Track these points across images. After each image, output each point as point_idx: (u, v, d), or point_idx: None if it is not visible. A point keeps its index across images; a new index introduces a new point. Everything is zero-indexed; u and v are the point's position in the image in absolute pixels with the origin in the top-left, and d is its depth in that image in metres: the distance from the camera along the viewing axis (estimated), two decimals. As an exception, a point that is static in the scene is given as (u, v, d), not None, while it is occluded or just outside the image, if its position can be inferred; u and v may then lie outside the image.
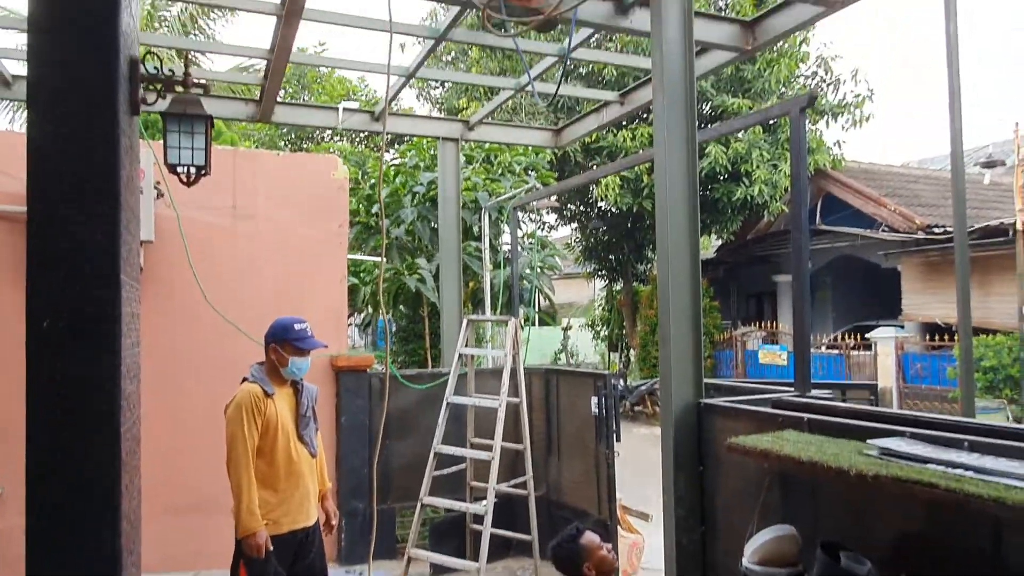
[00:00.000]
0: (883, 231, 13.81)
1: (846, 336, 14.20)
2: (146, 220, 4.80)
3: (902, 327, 13.93)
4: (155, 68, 2.56)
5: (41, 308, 2.08)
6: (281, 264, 5.51)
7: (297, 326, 3.25)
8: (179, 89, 2.61)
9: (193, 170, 2.57)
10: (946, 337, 12.30)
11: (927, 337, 13.20)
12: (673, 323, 3.05)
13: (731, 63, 4.49)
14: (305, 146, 17.41)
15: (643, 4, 3.86)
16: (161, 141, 4.69)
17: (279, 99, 5.37)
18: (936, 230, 12.66)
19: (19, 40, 10.75)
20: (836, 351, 14.14)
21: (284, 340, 3.23)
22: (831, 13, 3.70)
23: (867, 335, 13.65)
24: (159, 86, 2.57)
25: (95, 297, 2.14)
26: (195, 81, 2.64)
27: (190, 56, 2.81)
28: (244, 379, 3.28)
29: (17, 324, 2.02)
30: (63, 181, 2.12)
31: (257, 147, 14.88)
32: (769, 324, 15.90)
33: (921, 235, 12.95)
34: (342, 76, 17.69)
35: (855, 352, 13.84)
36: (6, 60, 4.89)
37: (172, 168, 2.57)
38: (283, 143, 16.75)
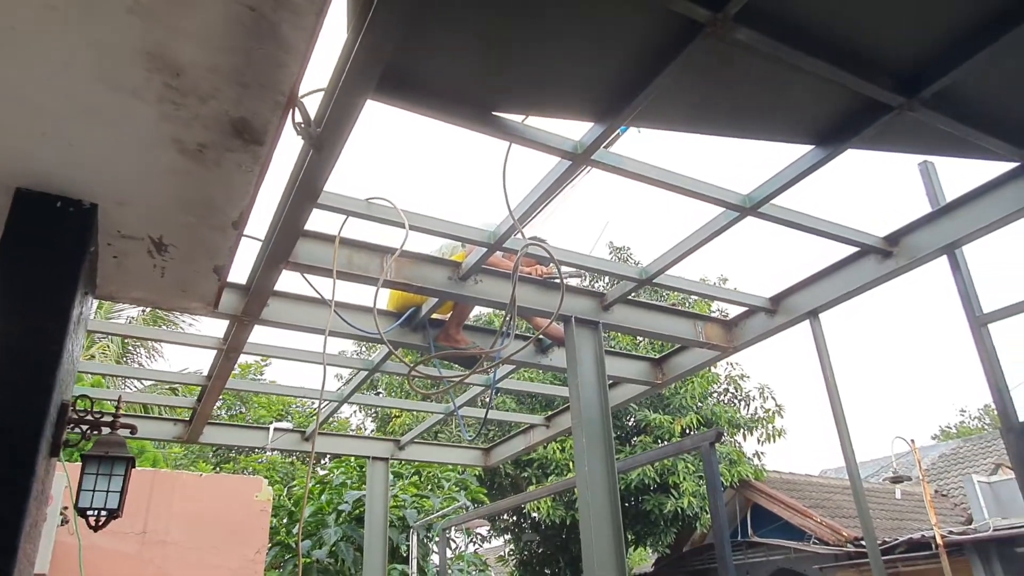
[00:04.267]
0: (814, 543, 13.72)
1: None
2: (43, 550, 4.43)
3: (853, 651, 13.13)
4: (85, 410, 2.61)
5: None
6: (185, 599, 5.03)
7: None
8: (105, 430, 2.64)
9: (104, 514, 2.49)
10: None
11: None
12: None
13: (644, 395, 4.85)
14: (233, 455, 16.88)
15: (559, 345, 4.26)
16: (77, 462, 4.56)
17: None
18: (863, 542, 12.66)
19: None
20: None
21: None
22: (724, 357, 4.16)
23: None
24: (86, 428, 2.59)
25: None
26: (123, 423, 2.69)
27: (122, 398, 2.89)
28: None
29: None
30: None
31: (181, 462, 14.34)
32: (718, 649, 14.75)
33: (851, 548, 12.89)
34: (276, 395, 17.90)
35: None
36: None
37: (82, 512, 2.48)
38: (209, 455, 16.22)
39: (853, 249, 3.44)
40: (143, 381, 12.52)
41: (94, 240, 2.61)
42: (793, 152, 2.85)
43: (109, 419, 2.65)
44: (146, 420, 5.51)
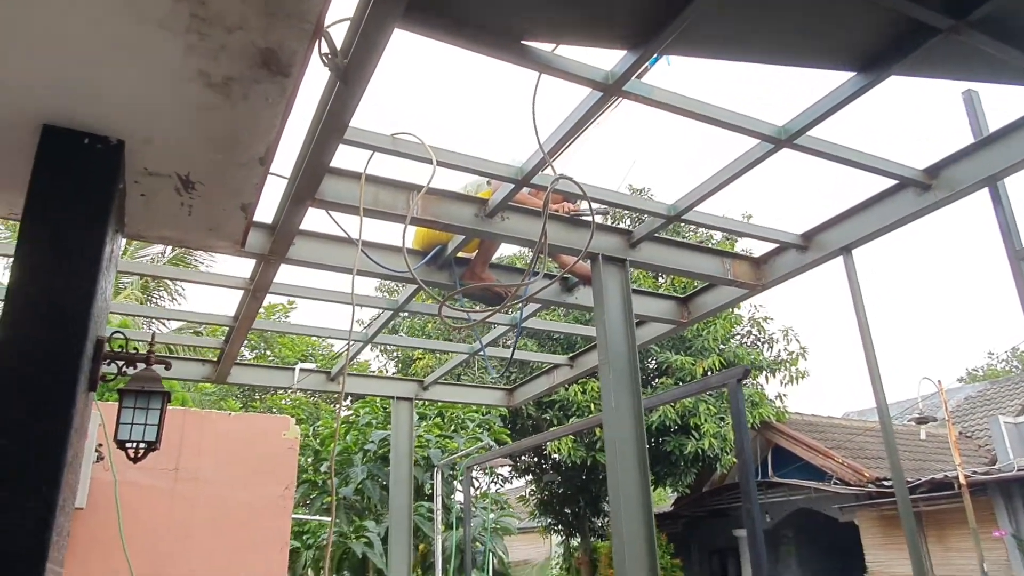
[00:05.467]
0: (835, 483, 13.86)
1: (815, 597, 13.54)
2: (81, 485, 4.58)
3: (870, 586, 13.40)
4: (120, 346, 2.65)
5: (-50, 604, 1.93)
6: (219, 530, 5.20)
7: None
8: (140, 367, 2.68)
9: (143, 446, 2.55)
10: (916, 597, 11.81)
11: (897, 597, 12.66)
12: (631, 602, 2.93)
13: (670, 334, 4.84)
14: (258, 397, 17.28)
15: (585, 283, 4.24)
16: (110, 402, 4.67)
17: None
18: (886, 483, 12.78)
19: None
20: (807, 614, 13.36)
21: None
22: (753, 295, 4.11)
23: (836, 596, 13.05)
24: (121, 363, 2.63)
25: (14, 590, 2.00)
26: (157, 358, 2.73)
27: (155, 335, 2.93)
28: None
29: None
30: (4, 460, 2.08)
31: (207, 402, 14.70)
32: (735, 584, 15.12)
33: (872, 488, 13.02)
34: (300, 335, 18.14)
35: (827, 615, 13.11)
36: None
37: (121, 444, 2.55)
38: (236, 396, 16.61)
39: (890, 182, 3.35)
40: (168, 324, 12.74)
41: (122, 178, 2.60)
42: (828, 84, 2.75)
43: (143, 356, 2.68)
44: (175, 361, 5.61)
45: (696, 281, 4.67)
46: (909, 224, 3.37)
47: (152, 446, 2.55)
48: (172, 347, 8.32)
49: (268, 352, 17.75)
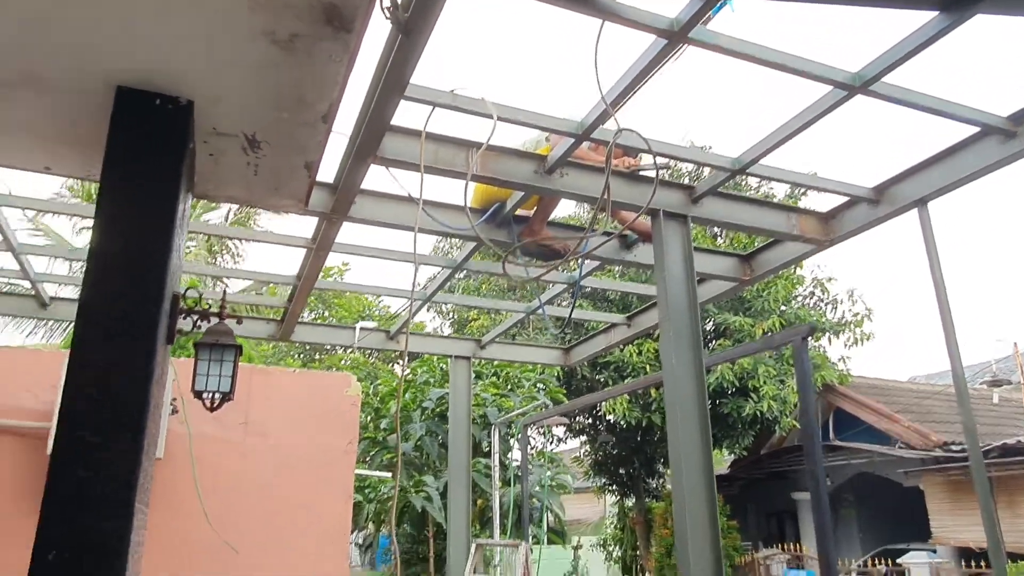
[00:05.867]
0: (899, 447, 13.54)
1: (876, 561, 13.35)
2: (159, 437, 4.82)
3: (934, 551, 13.14)
4: (194, 301, 2.75)
5: (50, 538, 2.06)
6: (288, 482, 5.41)
7: None
8: (213, 320, 2.78)
9: (218, 396, 2.66)
10: (983, 564, 11.55)
11: (963, 563, 12.39)
12: (692, 554, 2.94)
13: (731, 293, 4.75)
14: (317, 357, 17.78)
15: (645, 240, 4.19)
16: (181, 358, 4.86)
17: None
18: (954, 447, 12.42)
19: (55, 265, 11.50)
20: (867, 578, 13.22)
21: None
22: (820, 251, 3.99)
23: (898, 560, 12.84)
24: (196, 318, 2.74)
25: (104, 529, 2.12)
26: (229, 313, 2.82)
27: (226, 291, 3.03)
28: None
29: (24, 548, 2.00)
30: (94, 407, 2.20)
31: (274, 355, 15.19)
32: (793, 546, 15.02)
33: (939, 452, 12.67)
34: (357, 294, 18.54)
35: (887, 580, 12.94)
36: (46, 283, 5.23)
37: (198, 394, 2.66)
38: (298, 354, 17.13)
39: (970, 131, 3.18)
40: (231, 287, 13.16)
41: (192, 138, 2.67)
42: (905, 26, 2.61)
43: (216, 311, 2.78)
44: (244, 319, 5.79)
45: (758, 239, 4.56)
46: (990, 174, 3.20)
47: (226, 396, 2.66)
48: (235, 307, 8.58)
49: (326, 313, 18.21)
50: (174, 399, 5.03)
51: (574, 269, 4.52)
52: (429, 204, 3.74)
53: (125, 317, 2.32)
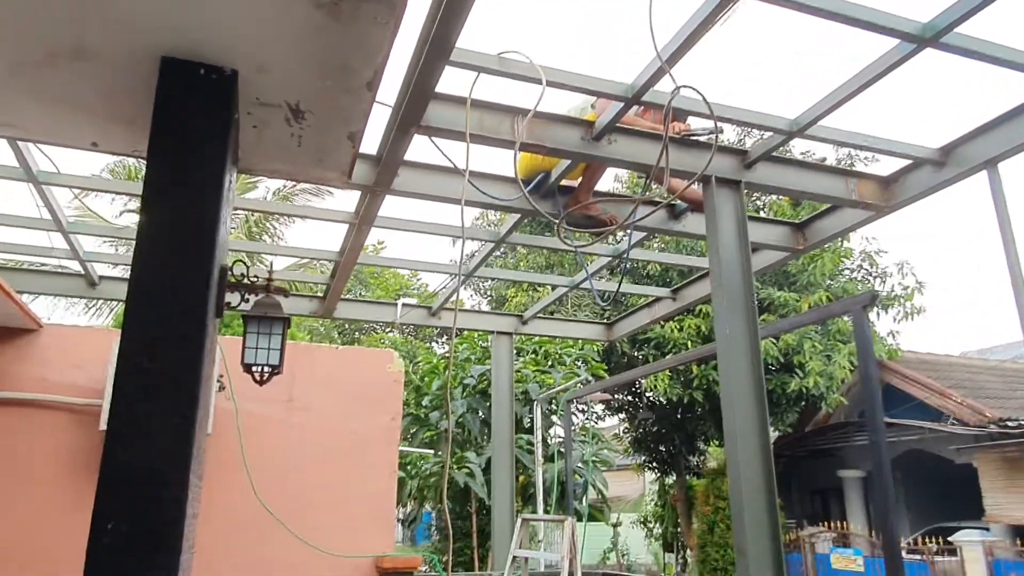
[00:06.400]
0: (951, 424, 13.18)
1: (926, 539, 13.08)
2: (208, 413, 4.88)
3: (987, 529, 12.81)
4: (242, 274, 2.73)
5: (108, 510, 2.06)
6: (332, 457, 5.45)
7: None
8: (260, 293, 2.76)
9: (267, 369, 2.65)
10: (1039, 542, 11.23)
11: (1018, 541, 12.06)
12: (750, 536, 2.86)
13: (783, 262, 4.60)
14: (357, 337, 17.95)
15: (694, 210, 4.06)
16: (226, 336, 4.90)
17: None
18: (1010, 424, 12.03)
19: (102, 246, 11.75)
20: (918, 556, 12.94)
21: None
22: (879, 218, 3.82)
23: (950, 538, 12.55)
24: (243, 292, 2.72)
25: (162, 499, 2.12)
26: (276, 286, 2.80)
27: (272, 264, 3.01)
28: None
29: (83, 521, 2.00)
30: (147, 380, 2.19)
31: (312, 339, 15.39)
32: (840, 524, 14.80)
33: (994, 429, 12.30)
34: (397, 272, 18.64)
35: (939, 558, 12.65)
36: (95, 263, 5.31)
37: (248, 367, 2.65)
38: (337, 334, 17.32)
39: (1049, 85, 2.98)
40: (274, 265, 13.32)
41: (236, 108, 2.63)
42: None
43: (263, 284, 2.76)
44: (288, 297, 5.82)
45: (807, 208, 4.39)
46: (1069, 131, 3.01)
47: (275, 369, 2.64)
48: (280, 283, 8.67)
49: (364, 292, 18.36)
50: (221, 376, 5.08)
51: (619, 241, 4.41)
52: (473, 175, 3.67)
53: (175, 290, 2.31)
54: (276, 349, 2.63)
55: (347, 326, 17.85)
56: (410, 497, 9.28)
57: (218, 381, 5.06)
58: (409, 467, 9.37)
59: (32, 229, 4.63)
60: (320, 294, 5.75)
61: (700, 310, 12.23)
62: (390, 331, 17.99)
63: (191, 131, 2.47)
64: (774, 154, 3.53)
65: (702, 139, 3.39)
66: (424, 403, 9.13)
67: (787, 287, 12.68)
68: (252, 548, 5.00)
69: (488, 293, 17.04)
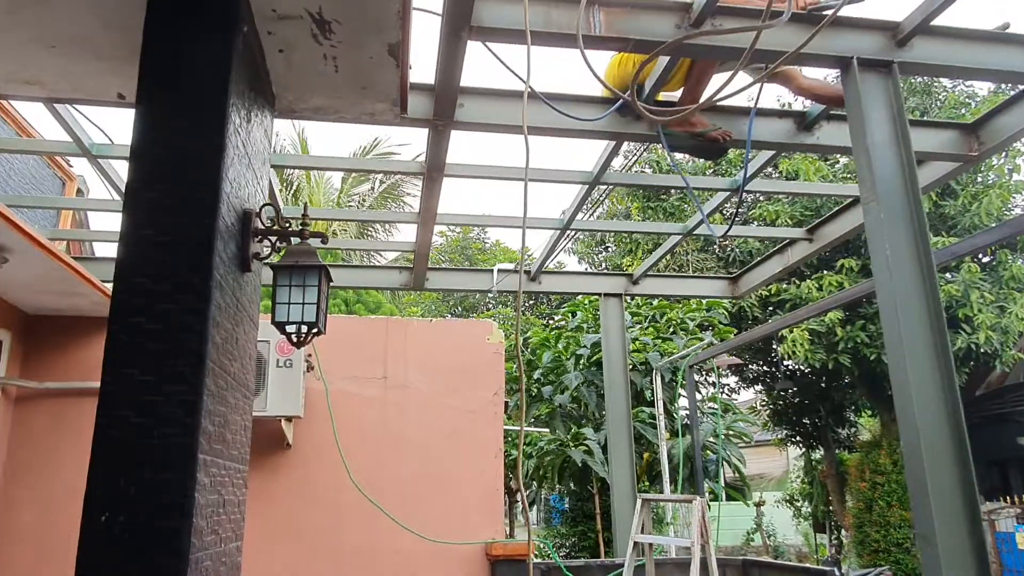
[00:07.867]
0: None
1: None
2: (296, 395, 4.61)
3: None
4: (269, 219, 2.30)
5: (99, 498, 1.71)
6: (431, 436, 5.08)
7: None
8: (295, 240, 2.33)
9: (304, 328, 2.22)
10: None
11: None
12: (937, 519, 2.12)
13: (953, 175, 3.67)
14: (468, 316, 17.82)
15: (830, 118, 3.27)
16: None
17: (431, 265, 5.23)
18: None
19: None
20: None
21: None
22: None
23: None
24: (275, 239, 2.29)
25: (161, 482, 1.74)
26: (312, 232, 2.35)
27: (307, 205, 2.57)
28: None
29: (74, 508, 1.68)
30: (143, 341, 1.81)
31: (423, 316, 15.45)
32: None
33: None
34: (504, 246, 18.31)
35: None
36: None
37: (281, 327, 2.23)
38: (448, 314, 17.26)
39: None
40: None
41: (243, 18, 2.20)
42: None
43: (297, 230, 2.32)
44: (375, 271, 5.49)
45: (986, 103, 3.44)
46: None
47: (312, 327, 2.20)
48: (359, 253, 8.41)
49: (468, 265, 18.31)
50: (309, 355, 4.82)
51: (736, 172, 3.67)
52: (549, 97, 3.07)
53: (171, 232, 1.91)
54: (312, 303, 2.19)
55: (459, 306, 17.71)
56: (528, 478, 8.86)
57: (306, 361, 4.79)
58: (527, 446, 8.95)
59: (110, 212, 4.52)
60: (410, 264, 5.36)
61: (842, 265, 10.92)
62: (502, 307, 17.68)
63: (186, 44, 2.07)
64: (934, 23, 2.69)
65: (834, 9, 2.61)
66: (535, 377, 8.64)
67: (944, 231, 11.10)
68: (355, 533, 4.76)
69: (602, 264, 16.29)
